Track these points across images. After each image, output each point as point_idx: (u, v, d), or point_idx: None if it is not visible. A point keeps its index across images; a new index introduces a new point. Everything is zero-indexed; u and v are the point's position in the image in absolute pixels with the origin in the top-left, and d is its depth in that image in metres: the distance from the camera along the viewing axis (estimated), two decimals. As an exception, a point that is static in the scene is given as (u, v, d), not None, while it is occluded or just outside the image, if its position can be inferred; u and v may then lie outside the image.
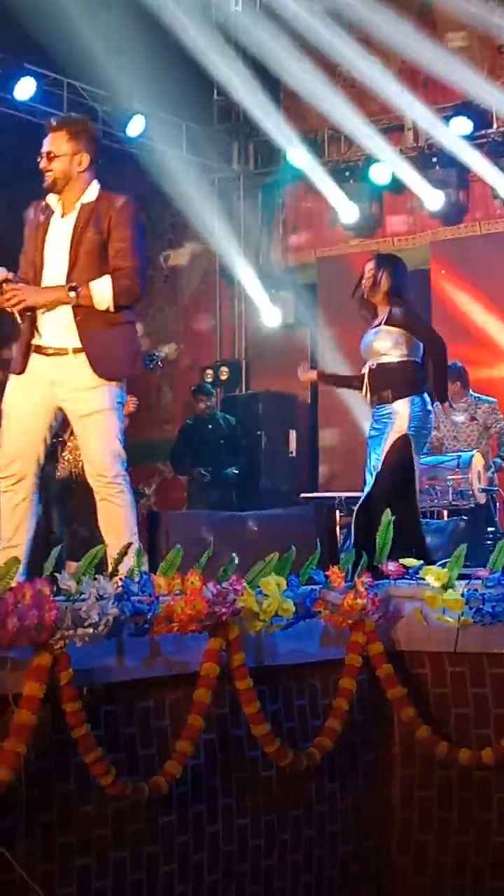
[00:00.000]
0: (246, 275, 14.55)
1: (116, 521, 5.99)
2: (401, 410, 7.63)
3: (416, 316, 7.88)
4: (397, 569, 6.24)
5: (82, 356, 5.94)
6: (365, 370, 7.92)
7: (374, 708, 6.18)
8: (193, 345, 15.09)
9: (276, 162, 14.53)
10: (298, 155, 13.98)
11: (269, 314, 14.33)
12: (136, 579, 5.06)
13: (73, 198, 6.08)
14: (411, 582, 6.25)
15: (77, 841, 4.90)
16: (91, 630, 4.75)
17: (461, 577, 6.12)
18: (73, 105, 13.06)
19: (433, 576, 6.07)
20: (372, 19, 13.19)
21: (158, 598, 5.10)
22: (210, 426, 12.74)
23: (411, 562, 6.31)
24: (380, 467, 7.57)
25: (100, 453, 5.96)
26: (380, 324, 7.81)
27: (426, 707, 6.16)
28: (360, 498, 7.60)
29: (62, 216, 6.07)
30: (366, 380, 7.86)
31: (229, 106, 14.59)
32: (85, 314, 5.96)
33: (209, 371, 14.28)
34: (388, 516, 6.34)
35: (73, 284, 5.94)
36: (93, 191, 6.11)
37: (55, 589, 4.76)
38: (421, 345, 7.75)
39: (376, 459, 7.62)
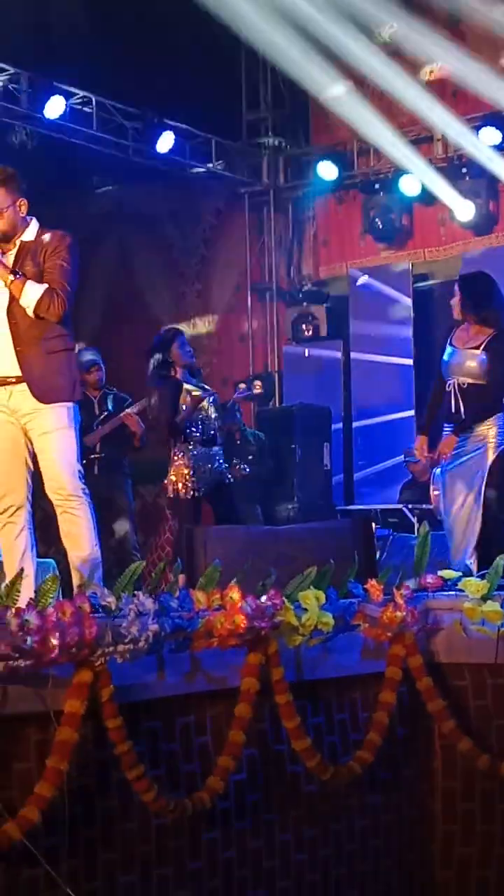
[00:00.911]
0: (278, 289, 14.57)
1: (77, 534, 6.15)
2: (495, 428, 7.71)
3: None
4: (436, 580, 6.23)
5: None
6: (452, 388, 7.97)
7: (414, 721, 6.15)
8: (226, 359, 15.09)
9: (307, 175, 14.54)
10: (328, 168, 14.00)
11: (302, 327, 14.35)
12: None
13: (16, 237, 6.27)
14: (450, 593, 6.23)
15: (120, 858, 4.89)
16: (131, 646, 4.75)
17: (500, 587, 6.10)
18: (102, 122, 13.10)
19: (472, 587, 6.05)
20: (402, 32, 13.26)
21: (198, 614, 5.10)
22: (239, 443, 12.74)
23: (450, 573, 6.29)
24: (482, 482, 7.63)
25: (57, 469, 6.14)
26: (476, 346, 7.83)
27: (467, 719, 6.13)
28: (393, 508, 7.58)
29: (3, 253, 6.23)
30: (456, 398, 7.88)
31: (258, 120, 14.62)
32: (24, 345, 6.15)
33: (242, 385, 14.27)
34: (425, 527, 6.34)
35: (16, 269, 6.13)
36: (32, 230, 6.30)
37: (95, 606, 4.77)
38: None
39: (471, 477, 7.67)
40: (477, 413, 7.81)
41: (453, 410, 7.89)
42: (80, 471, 6.20)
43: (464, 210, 13.17)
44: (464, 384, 7.88)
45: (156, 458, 14.06)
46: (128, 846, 4.92)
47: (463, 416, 7.84)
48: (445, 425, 7.96)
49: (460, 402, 7.87)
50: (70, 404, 6.21)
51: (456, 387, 7.94)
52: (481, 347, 7.84)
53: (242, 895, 5.39)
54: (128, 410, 9.94)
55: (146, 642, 4.80)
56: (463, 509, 7.77)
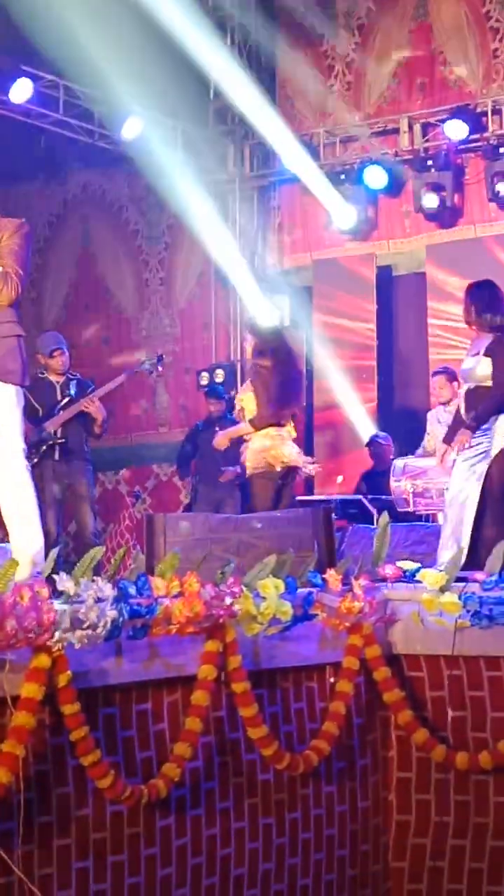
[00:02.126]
0: (241, 278, 14.54)
1: (19, 509, 6.11)
2: (499, 428, 7.78)
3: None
4: (395, 571, 6.25)
5: None
6: (462, 391, 8.13)
7: (371, 711, 6.17)
8: (189, 348, 15.07)
9: (272, 164, 14.51)
10: (294, 157, 13.97)
11: (265, 317, 14.31)
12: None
13: None
14: (409, 585, 6.25)
15: (75, 844, 4.89)
16: (89, 632, 4.74)
17: (458, 579, 6.13)
18: (69, 107, 13.05)
19: (430, 579, 6.07)
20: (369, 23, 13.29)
21: (157, 601, 5.09)
22: (218, 429, 12.73)
23: (409, 564, 6.32)
24: (482, 476, 7.71)
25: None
26: (478, 352, 7.88)
27: (423, 710, 6.16)
28: (352, 499, 7.60)
29: None
30: (465, 401, 8.00)
31: (225, 108, 14.58)
32: None
33: (205, 374, 14.25)
34: (385, 518, 6.36)
35: None
36: None
37: (53, 591, 4.76)
38: None
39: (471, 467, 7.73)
40: (480, 414, 7.84)
41: (462, 413, 7.97)
42: (24, 450, 6.19)
43: (428, 202, 13.12)
44: (471, 388, 7.95)
45: (116, 445, 14.10)
46: (83, 832, 4.92)
47: (466, 420, 7.90)
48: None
49: (464, 406, 7.95)
50: (18, 388, 6.18)
51: (464, 392, 8.03)
52: (481, 352, 7.91)
53: (196, 882, 5.40)
54: (90, 396, 9.90)
55: (104, 628, 4.80)
56: (459, 495, 7.80)
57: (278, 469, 8.70)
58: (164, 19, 12.29)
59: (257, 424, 8.68)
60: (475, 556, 7.08)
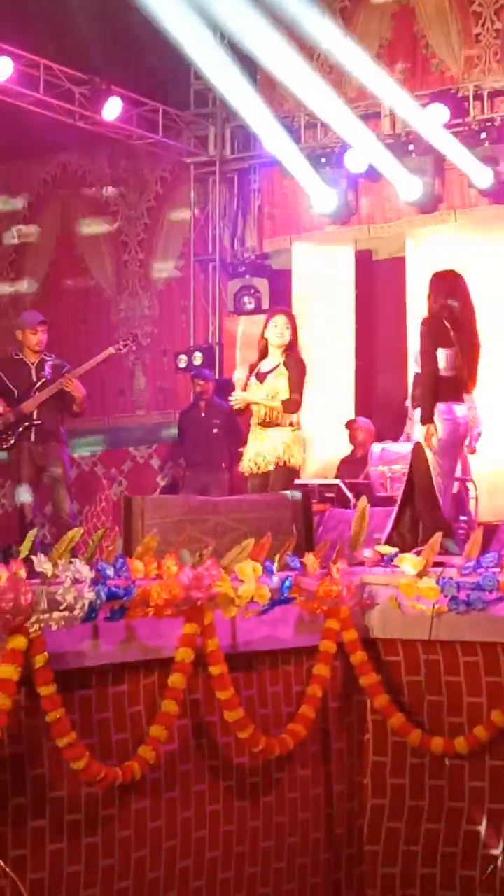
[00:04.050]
0: (221, 261, 14.51)
1: None
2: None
3: None
4: (373, 556, 6.25)
5: None
6: None
7: (347, 695, 6.17)
8: (167, 330, 15.03)
9: (253, 147, 14.46)
10: (274, 140, 13.91)
11: (244, 300, 14.29)
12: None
13: None
14: (387, 569, 6.25)
15: (49, 825, 4.88)
16: (67, 614, 4.72)
17: (436, 565, 6.13)
18: (49, 86, 12.98)
19: (408, 564, 6.08)
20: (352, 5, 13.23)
21: (134, 583, 5.08)
22: (203, 413, 12.72)
23: (387, 549, 6.32)
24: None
25: None
26: None
27: (399, 695, 6.17)
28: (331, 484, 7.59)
29: None
30: None
31: (206, 90, 14.52)
32: None
33: (182, 356, 14.21)
34: (363, 502, 6.36)
35: None
36: None
37: (31, 572, 4.74)
38: None
39: None
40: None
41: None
42: None
43: (409, 187, 13.10)
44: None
45: (92, 427, 14.07)
46: (57, 814, 4.91)
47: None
48: None
49: None
50: None
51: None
52: None
53: (171, 864, 5.40)
54: (69, 374, 9.82)
55: (81, 610, 4.78)
56: None
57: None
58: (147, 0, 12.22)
59: (290, 408, 8.52)
60: None
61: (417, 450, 8.04)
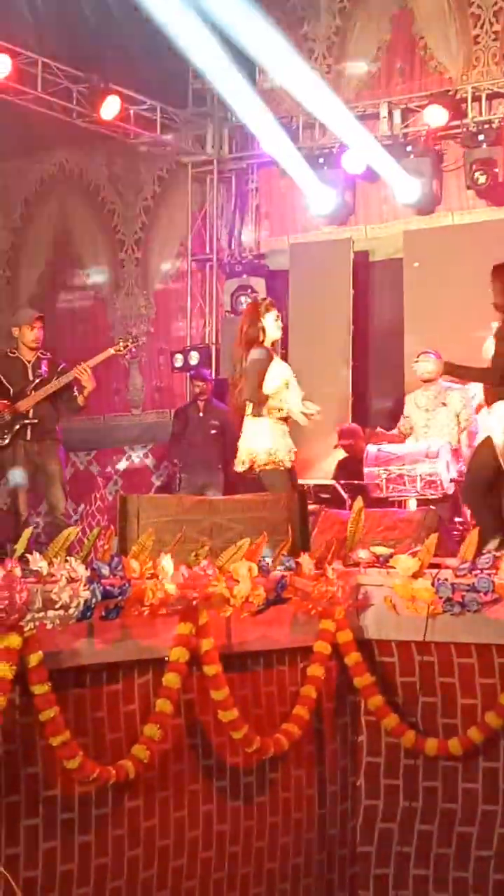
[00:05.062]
0: (218, 260, 14.50)
1: None
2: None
3: None
4: (368, 557, 6.25)
5: None
6: None
7: (341, 696, 6.17)
8: (164, 329, 15.03)
9: (251, 147, 14.45)
10: (272, 140, 13.90)
11: (241, 299, 14.27)
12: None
13: None
14: (382, 570, 6.25)
15: (43, 824, 4.87)
16: (62, 612, 4.72)
17: (431, 566, 6.12)
18: (47, 84, 12.96)
19: (403, 565, 6.07)
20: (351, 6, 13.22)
21: (129, 582, 5.07)
22: (201, 413, 12.73)
23: (382, 550, 6.31)
24: None
25: None
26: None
27: (394, 696, 6.17)
28: (326, 485, 7.57)
29: None
30: None
31: (204, 90, 14.51)
32: None
33: (179, 356, 14.21)
34: (360, 503, 6.36)
35: None
36: None
37: (26, 570, 4.73)
38: None
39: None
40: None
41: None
42: None
43: (407, 188, 13.12)
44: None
45: (88, 426, 14.06)
46: (51, 813, 4.90)
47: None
48: None
49: None
50: None
51: None
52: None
53: (164, 864, 5.39)
54: (83, 365, 9.72)
55: (76, 609, 4.77)
56: None
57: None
58: (145, -1, 12.21)
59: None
60: None
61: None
